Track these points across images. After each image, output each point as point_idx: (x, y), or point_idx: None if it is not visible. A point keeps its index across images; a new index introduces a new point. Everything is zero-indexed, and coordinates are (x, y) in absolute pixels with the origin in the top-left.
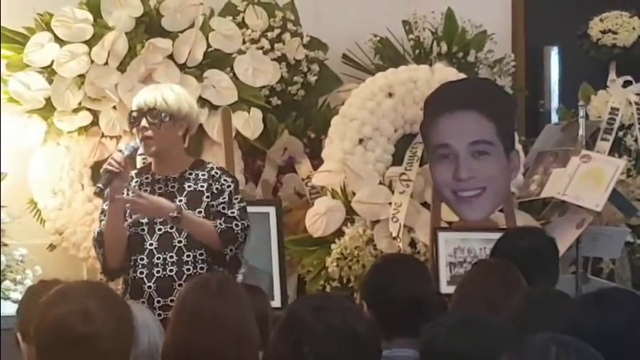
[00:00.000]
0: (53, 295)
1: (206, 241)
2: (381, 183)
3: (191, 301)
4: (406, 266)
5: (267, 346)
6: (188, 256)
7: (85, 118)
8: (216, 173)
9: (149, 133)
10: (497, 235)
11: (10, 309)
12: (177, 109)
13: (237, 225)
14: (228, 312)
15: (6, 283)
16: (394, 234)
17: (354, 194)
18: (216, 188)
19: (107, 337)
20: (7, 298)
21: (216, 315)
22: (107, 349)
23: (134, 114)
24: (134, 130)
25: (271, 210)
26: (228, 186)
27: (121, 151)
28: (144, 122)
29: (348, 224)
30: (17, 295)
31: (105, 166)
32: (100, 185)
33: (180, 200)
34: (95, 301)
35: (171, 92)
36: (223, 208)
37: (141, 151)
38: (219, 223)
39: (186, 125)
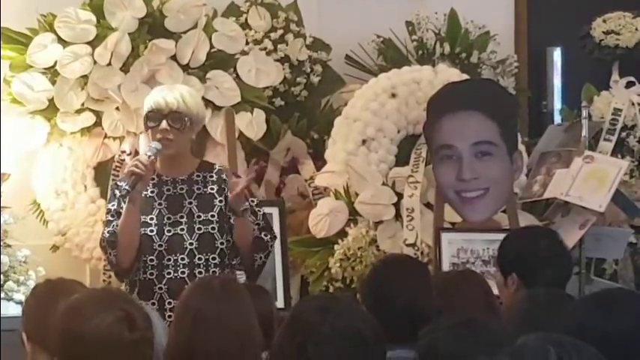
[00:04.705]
0: (82, 305)
1: (243, 243)
2: (384, 184)
3: (194, 303)
4: (405, 269)
5: (272, 346)
6: (199, 258)
7: (88, 118)
8: (227, 177)
9: (171, 136)
10: (500, 236)
11: (13, 310)
12: (196, 113)
13: (266, 235)
14: (230, 313)
15: (9, 284)
16: (410, 241)
17: (357, 195)
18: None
19: (149, 341)
20: (11, 299)
21: (219, 316)
22: (149, 354)
23: (152, 114)
24: (149, 130)
25: (274, 211)
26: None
27: (145, 153)
28: (164, 124)
29: (351, 225)
30: (20, 296)
31: (131, 168)
32: (126, 187)
33: (191, 203)
34: (132, 306)
35: (189, 95)
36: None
37: (150, 152)
38: (254, 230)
39: (199, 128)
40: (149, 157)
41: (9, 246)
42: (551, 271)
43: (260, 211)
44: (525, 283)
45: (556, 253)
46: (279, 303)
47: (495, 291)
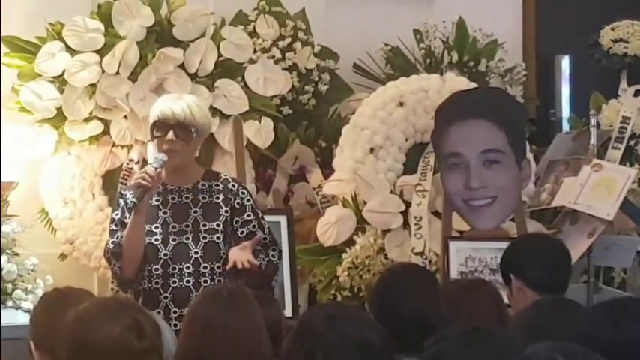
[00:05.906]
0: (91, 314)
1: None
2: (392, 192)
3: (202, 312)
4: (413, 278)
5: (280, 354)
6: (205, 267)
7: (96, 127)
8: (234, 186)
9: (177, 147)
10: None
11: (21, 318)
12: (202, 124)
13: (274, 256)
14: (239, 322)
15: (17, 293)
16: (418, 249)
17: (365, 203)
18: (237, 203)
19: (157, 349)
20: (19, 308)
21: (227, 325)
22: None
23: (159, 123)
24: (155, 139)
25: (282, 219)
26: (248, 200)
27: (151, 164)
28: (171, 135)
29: (359, 233)
30: (28, 305)
31: (137, 180)
32: (133, 200)
33: (196, 212)
34: (141, 314)
35: (196, 105)
36: (254, 227)
37: (156, 163)
38: (262, 258)
39: (204, 138)
40: (155, 168)
41: (17, 254)
42: (544, 263)
43: (265, 223)
44: (525, 282)
45: (546, 245)
46: (287, 311)
47: (507, 300)
